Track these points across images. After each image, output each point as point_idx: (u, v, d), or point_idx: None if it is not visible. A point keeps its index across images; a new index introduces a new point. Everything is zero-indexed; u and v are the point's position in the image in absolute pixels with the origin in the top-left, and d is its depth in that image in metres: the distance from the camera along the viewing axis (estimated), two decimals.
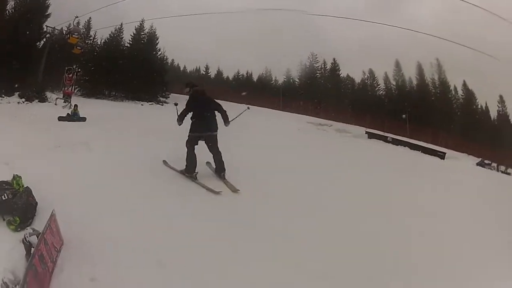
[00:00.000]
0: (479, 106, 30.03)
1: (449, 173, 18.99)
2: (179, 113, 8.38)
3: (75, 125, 14.82)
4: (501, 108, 29.78)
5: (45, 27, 22.78)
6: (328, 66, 29.64)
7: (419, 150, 23.74)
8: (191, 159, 7.93)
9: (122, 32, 25.95)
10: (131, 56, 25.38)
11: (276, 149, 13.94)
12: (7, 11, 21.58)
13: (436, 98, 29.02)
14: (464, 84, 29.72)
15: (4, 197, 5.16)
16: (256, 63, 28.99)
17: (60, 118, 15.39)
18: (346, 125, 26.22)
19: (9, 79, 19.59)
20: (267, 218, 6.52)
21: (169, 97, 26.04)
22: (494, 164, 25.60)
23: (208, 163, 8.90)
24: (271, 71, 30.15)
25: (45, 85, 21.72)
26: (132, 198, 6.50)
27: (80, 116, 16.21)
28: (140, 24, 25.92)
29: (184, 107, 8.35)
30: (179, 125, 8.35)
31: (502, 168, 25.57)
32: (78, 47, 22.63)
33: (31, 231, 4.30)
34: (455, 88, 29.71)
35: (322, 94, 28.50)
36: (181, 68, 29.55)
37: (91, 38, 25.65)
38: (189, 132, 8.09)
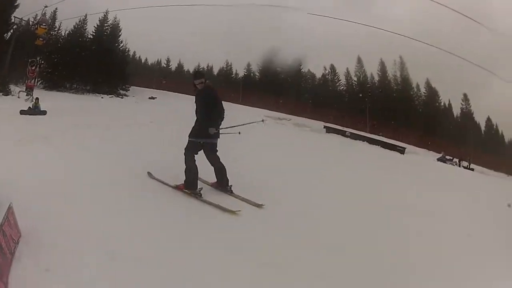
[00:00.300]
0: (442, 104, 30.42)
1: (409, 167, 19.19)
2: (201, 113, 6.45)
3: (36, 119, 14.66)
4: (465, 106, 30.45)
5: (13, 18, 22.65)
6: (290, 61, 29.40)
7: (378, 145, 23.66)
8: (193, 171, 6.24)
9: (86, 24, 25.71)
10: (92, 48, 25.22)
11: (233, 144, 13.92)
12: None
13: (398, 94, 29.13)
14: (428, 82, 30.04)
15: None
16: (217, 56, 29.18)
17: (22, 112, 15.26)
18: (305, 119, 26.22)
19: None
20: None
21: (129, 90, 26.13)
22: (456, 160, 26.09)
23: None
24: (232, 64, 30.37)
25: (10, 77, 21.56)
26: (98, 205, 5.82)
27: (41, 109, 16.11)
28: (104, 15, 25.87)
29: (204, 105, 6.40)
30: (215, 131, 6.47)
31: (465, 163, 26.18)
32: (40, 39, 22.53)
33: None
34: (418, 86, 30.03)
35: (283, 88, 28.53)
36: (143, 61, 29.49)
37: (56, 29, 25.39)
38: (190, 136, 6.39)
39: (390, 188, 10.55)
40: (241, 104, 27.27)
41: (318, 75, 29.92)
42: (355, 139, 23.87)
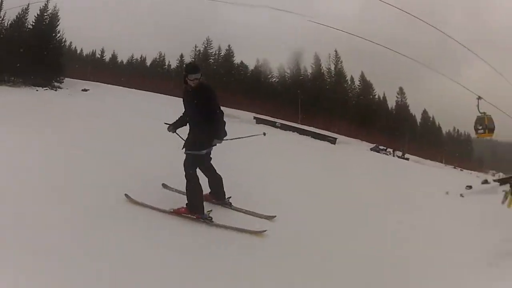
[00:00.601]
0: (377, 96, 30.82)
1: (341, 156, 19.33)
2: (201, 121, 5.24)
3: None
4: (400, 99, 30.91)
5: None
6: (223, 52, 29.81)
7: (308, 135, 23.71)
8: (198, 191, 5.10)
9: (27, 13, 24.77)
10: (30, 39, 24.48)
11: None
12: None
13: (331, 87, 29.34)
14: (362, 75, 30.32)
15: None
16: (151, 47, 28.93)
17: None
18: (236, 110, 25.26)
19: None
20: None
21: (63, 82, 25.26)
22: (390, 150, 26.59)
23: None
24: (165, 55, 30.09)
25: None
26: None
27: None
28: (45, 4, 25.03)
29: (204, 110, 5.23)
30: (172, 131, 5.39)
31: (399, 153, 26.68)
32: None
33: None
34: (352, 79, 30.29)
35: (214, 79, 27.83)
36: (78, 52, 28.82)
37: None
38: (190, 148, 5.17)
39: (319, 176, 10.44)
40: (173, 96, 26.74)
41: (251, 67, 29.95)
42: (285, 130, 23.70)
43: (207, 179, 5.42)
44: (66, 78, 25.34)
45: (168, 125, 5.32)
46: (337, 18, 28.61)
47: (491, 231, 5.85)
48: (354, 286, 4.22)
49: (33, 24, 24.96)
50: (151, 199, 5.36)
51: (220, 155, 5.90)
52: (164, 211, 5.05)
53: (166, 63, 30.20)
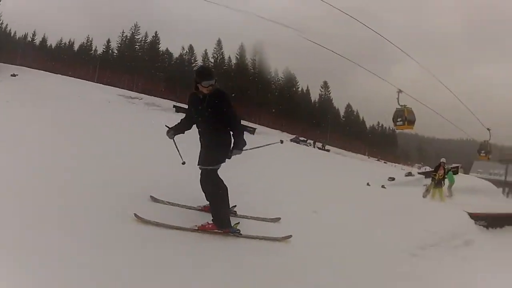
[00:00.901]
0: (300, 89, 31.44)
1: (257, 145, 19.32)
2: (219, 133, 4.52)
3: None
4: (324, 92, 31.64)
5: None
6: (150, 38, 29.70)
7: None
8: (226, 206, 4.62)
9: None
10: None
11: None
12: None
13: (254, 78, 29.70)
14: (287, 68, 30.77)
15: None
16: (80, 31, 28.53)
17: None
18: (157, 98, 26.05)
19: None
20: None
21: None
22: (310, 141, 27.10)
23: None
24: (93, 40, 29.63)
25: None
26: None
27: None
28: None
29: (223, 119, 4.44)
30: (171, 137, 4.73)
31: (319, 144, 27.23)
32: None
33: None
34: (276, 71, 30.74)
35: (139, 66, 28.26)
36: (12, 34, 28.21)
37: None
38: (210, 163, 4.53)
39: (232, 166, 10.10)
40: (95, 82, 26.57)
41: (176, 54, 30.09)
42: None
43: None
44: None
45: (168, 129, 4.58)
46: (266, 9, 29.31)
47: (413, 222, 5.82)
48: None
49: None
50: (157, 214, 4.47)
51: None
52: (184, 229, 4.33)
53: (93, 48, 29.70)
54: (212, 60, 29.89)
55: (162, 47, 29.86)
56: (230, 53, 29.87)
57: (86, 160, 5.73)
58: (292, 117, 28.48)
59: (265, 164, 11.36)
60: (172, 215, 4.45)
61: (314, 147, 27.05)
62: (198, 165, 4.43)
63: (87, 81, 26.69)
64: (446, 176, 12.04)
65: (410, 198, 9.11)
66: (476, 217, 6.83)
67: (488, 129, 17.70)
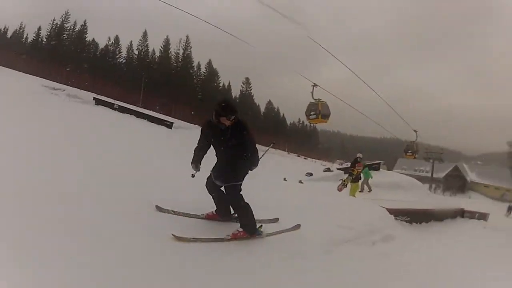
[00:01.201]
0: (222, 84, 32.26)
1: (177, 141, 19.52)
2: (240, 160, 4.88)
3: None
4: (245, 88, 32.78)
5: None
6: (78, 27, 29.58)
7: (145, 119, 23.73)
8: (252, 213, 4.84)
9: None
10: None
11: None
12: None
13: (176, 72, 30.12)
14: (210, 63, 31.51)
15: None
16: (14, 18, 28.41)
17: None
18: (79, 90, 25.59)
19: None
20: None
21: None
22: None
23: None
24: (26, 28, 29.36)
25: None
26: None
27: None
28: None
29: (244, 150, 4.75)
30: (198, 170, 4.88)
31: None
32: None
33: None
34: (199, 65, 31.34)
35: (65, 57, 28.03)
36: None
37: None
38: (241, 177, 4.79)
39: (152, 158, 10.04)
40: (24, 72, 26.25)
41: (102, 45, 30.08)
42: (123, 112, 23.65)
43: (213, 199, 4.94)
44: None
45: (193, 165, 4.66)
46: (194, 3, 29.62)
47: (328, 218, 5.38)
48: None
49: None
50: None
51: None
52: (220, 240, 4.45)
53: (24, 36, 29.51)
54: (136, 52, 30.06)
55: (90, 36, 29.87)
56: (155, 45, 30.21)
57: None
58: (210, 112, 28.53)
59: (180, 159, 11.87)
60: (183, 225, 4.41)
61: None
62: (223, 182, 4.64)
63: (15, 71, 26.39)
64: (361, 171, 12.03)
65: (326, 193, 8.68)
66: (396, 213, 6.68)
67: (415, 130, 18.03)
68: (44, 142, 6.81)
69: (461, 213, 10.17)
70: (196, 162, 4.67)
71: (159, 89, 27.32)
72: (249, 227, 4.73)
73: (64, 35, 29.31)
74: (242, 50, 25.49)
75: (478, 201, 27.53)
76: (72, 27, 29.42)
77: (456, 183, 35.03)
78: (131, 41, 29.76)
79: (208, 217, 4.93)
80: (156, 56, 30.04)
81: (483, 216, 11.16)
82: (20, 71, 26.39)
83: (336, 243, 4.67)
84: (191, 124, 26.65)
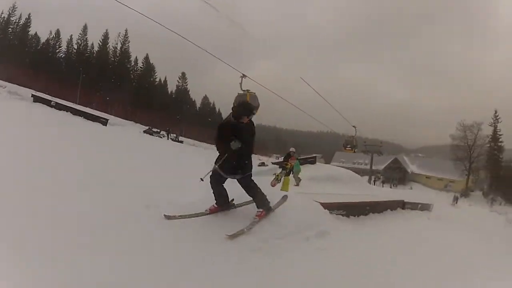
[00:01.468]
0: (158, 79, 32.97)
1: (112, 139, 19.47)
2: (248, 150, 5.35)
3: None
4: (181, 84, 33.45)
5: None
6: (23, 21, 29.39)
7: (81, 116, 23.71)
8: (262, 191, 5.41)
9: None
10: None
11: None
12: None
13: (114, 67, 30.56)
14: (147, 57, 32.11)
15: None
16: None
17: None
18: (19, 87, 26.10)
19: None
20: None
21: None
22: (164, 132, 27.88)
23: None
24: None
25: None
26: None
27: None
28: None
29: (250, 142, 5.32)
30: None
31: (173, 136, 27.90)
32: None
33: None
34: (136, 60, 31.92)
35: (9, 51, 27.69)
36: None
37: None
38: (250, 169, 5.38)
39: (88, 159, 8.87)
40: None
41: (43, 39, 30.05)
42: (59, 110, 23.74)
43: (215, 193, 5.33)
44: None
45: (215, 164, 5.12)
46: None
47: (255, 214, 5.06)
48: None
49: None
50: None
51: None
52: (254, 223, 4.86)
53: None
54: (76, 47, 30.18)
55: (33, 30, 29.77)
56: (94, 40, 30.36)
57: None
58: (148, 108, 29.23)
59: (113, 157, 10.67)
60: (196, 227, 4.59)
61: (168, 138, 27.67)
62: (242, 174, 5.04)
63: None
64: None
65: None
66: (332, 206, 6.34)
67: (354, 126, 18.28)
68: None
69: (402, 205, 9.81)
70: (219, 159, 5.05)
71: (97, 85, 27.91)
72: (267, 207, 5.18)
73: (9, 28, 29.28)
74: (179, 45, 25.98)
75: (421, 192, 28.56)
76: (17, 21, 29.39)
77: (396, 174, 35.80)
78: (71, 35, 30.02)
79: (211, 211, 5.20)
80: (94, 51, 30.28)
81: (426, 207, 11.27)
82: None
83: (265, 240, 4.47)
84: (126, 121, 27.81)
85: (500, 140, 32.75)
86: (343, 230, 5.67)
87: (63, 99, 25.69)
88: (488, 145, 32.99)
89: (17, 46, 28.68)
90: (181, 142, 27.83)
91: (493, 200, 29.83)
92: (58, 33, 29.97)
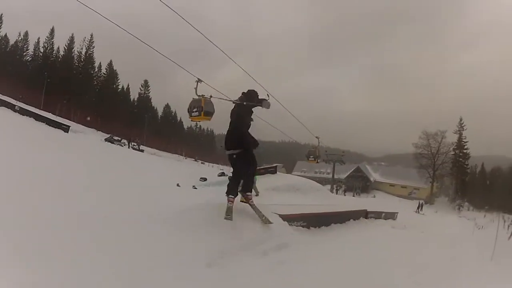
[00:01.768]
0: (121, 86, 33.40)
1: (73, 146, 19.13)
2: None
3: None
4: (143, 91, 34.21)
5: None
6: None
7: (44, 122, 23.97)
8: None
9: None
10: None
11: None
12: None
13: (78, 72, 30.87)
14: (110, 63, 32.50)
15: None
16: None
17: None
18: None
19: None
20: None
21: None
22: (125, 141, 27.93)
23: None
24: None
25: None
26: None
27: None
28: None
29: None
30: None
31: (134, 144, 28.31)
32: None
33: None
34: (100, 66, 32.23)
35: None
36: None
37: None
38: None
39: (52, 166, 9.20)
40: None
41: (12, 41, 30.01)
42: (23, 115, 24.05)
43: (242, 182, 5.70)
44: None
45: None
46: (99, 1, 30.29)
47: (214, 228, 4.83)
48: None
49: None
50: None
51: None
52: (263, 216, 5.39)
53: None
54: (42, 50, 30.23)
55: (3, 31, 29.68)
56: (60, 43, 30.46)
57: None
58: (110, 115, 29.38)
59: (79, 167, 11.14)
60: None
61: (129, 147, 27.82)
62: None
63: None
64: None
65: (217, 198, 7.38)
66: (291, 218, 6.24)
67: (317, 137, 19.06)
68: None
69: (365, 214, 9.73)
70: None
71: (61, 90, 28.01)
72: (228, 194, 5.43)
73: None
74: (143, 51, 26.42)
75: (385, 200, 29.45)
76: None
77: (359, 183, 36.32)
78: (39, 38, 30.12)
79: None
80: (60, 55, 30.50)
81: (391, 216, 11.25)
82: None
83: (220, 254, 4.27)
84: (88, 128, 28.13)
85: (466, 147, 33.01)
86: (303, 242, 5.64)
87: (27, 103, 25.85)
88: (453, 152, 33.12)
89: None
90: (142, 151, 28.20)
91: (460, 206, 30.11)
92: (26, 35, 30.08)
